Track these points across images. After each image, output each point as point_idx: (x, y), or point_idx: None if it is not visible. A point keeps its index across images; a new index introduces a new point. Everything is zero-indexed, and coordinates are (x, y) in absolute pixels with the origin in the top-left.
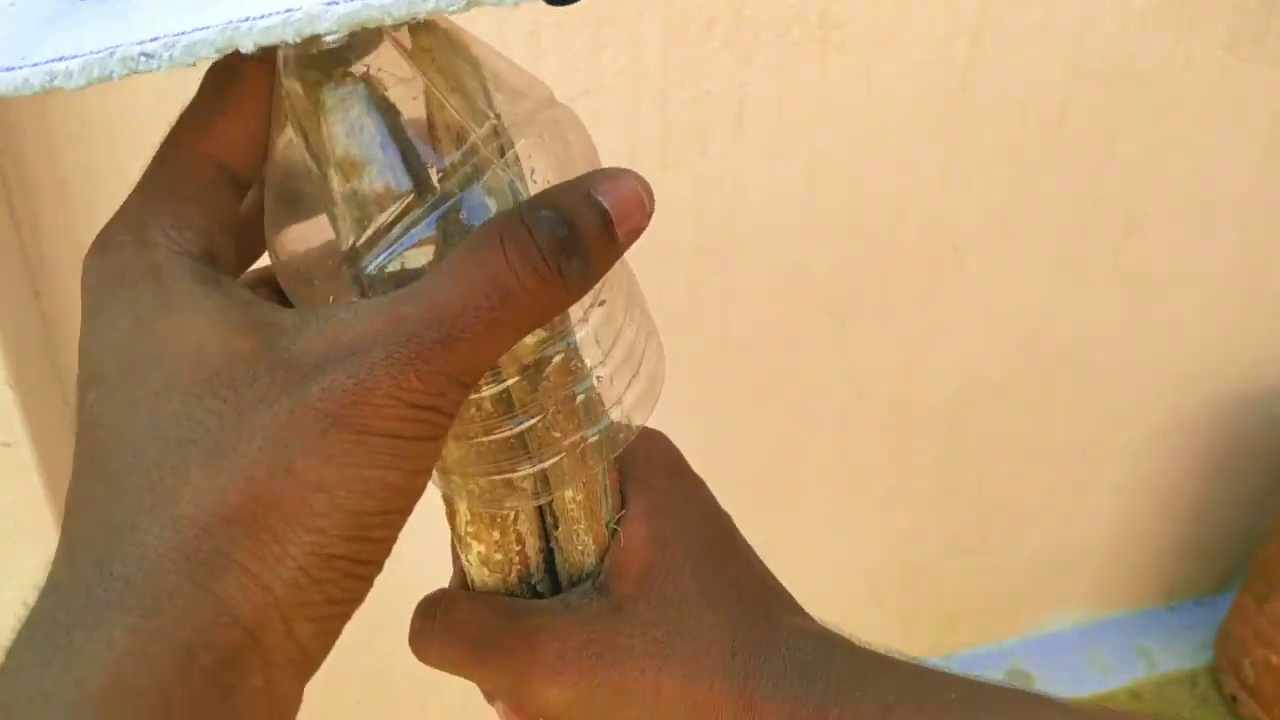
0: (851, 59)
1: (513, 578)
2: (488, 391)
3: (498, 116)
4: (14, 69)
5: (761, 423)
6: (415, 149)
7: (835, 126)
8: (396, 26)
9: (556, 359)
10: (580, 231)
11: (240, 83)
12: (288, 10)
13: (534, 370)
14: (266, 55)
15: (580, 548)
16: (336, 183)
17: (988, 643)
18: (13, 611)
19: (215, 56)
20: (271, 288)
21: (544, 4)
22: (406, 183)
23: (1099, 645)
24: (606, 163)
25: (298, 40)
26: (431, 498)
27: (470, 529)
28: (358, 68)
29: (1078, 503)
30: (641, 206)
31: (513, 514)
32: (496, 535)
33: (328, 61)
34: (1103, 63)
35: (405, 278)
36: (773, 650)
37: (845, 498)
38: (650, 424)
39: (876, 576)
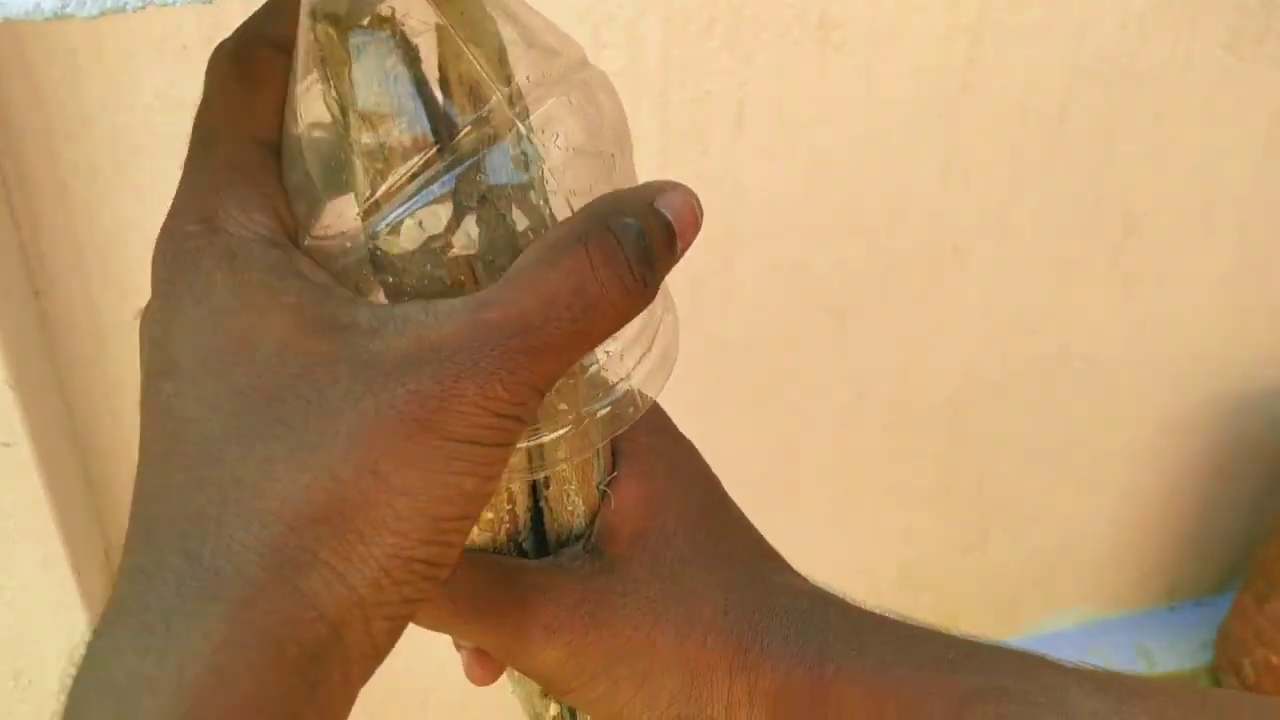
0: (851, 59)
1: (502, 536)
2: None
3: (526, 78)
4: None
5: (761, 423)
6: (438, 103)
7: (835, 126)
8: None
9: None
10: (653, 242)
11: (261, 65)
12: None
13: None
14: (281, 34)
15: (570, 508)
16: (357, 132)
17: None
18: (13, 611)
19: None
20: None
21: None
22: (429, 137)
23: (1099, 645)
24: None
25: None
26: None
27: None
28: (384, 10)
29: (1078, 503)
30: (696, 221)
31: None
32: None
33: (359, 5)
34: (1103, 63)
35: (406, 263)
36: (768, 610)
37: (845, 498)
38: None
39: (876, 576)
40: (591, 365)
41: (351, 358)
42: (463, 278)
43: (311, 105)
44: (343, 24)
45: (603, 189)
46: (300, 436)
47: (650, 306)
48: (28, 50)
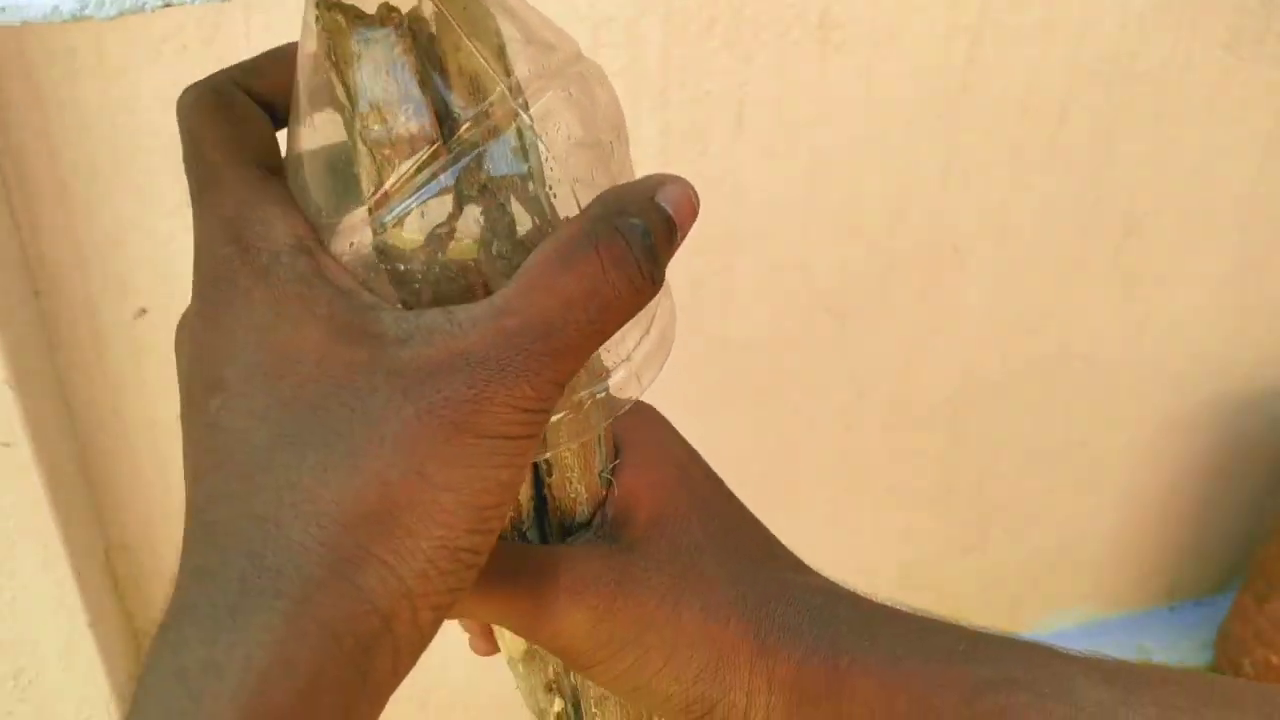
0: (851, 59)
1: (506, 524)
2: None
3: (526, 72)
4: None
5: (761, 423)
6: (443, 96)
7: (835, 126)
8: None
9: None
10: (656, 237)
11: (241, 105)
12: None
13: None
14: (252, 85)
15: (573, 495)
16: (364, 123)
17: None
18: (13, 611)
19: None
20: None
21: None
22: (434, 129)
23: (1099, 645)
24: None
25: None
26: None
27: None
28: (391, 1)
29: (1078, 503)
30: (694, 211)
31: None
32: None
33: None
34: (1103, 63)
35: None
36: (783, 601)
37: (845, 498)
38: None
39: (876, 576)
40: None
41: (388, 367)
42: (466, 266)
43: (317, 125)
44: (350, 14)
45: (601, 177)
46: (349, 443)
47: None
48: (28, 50)
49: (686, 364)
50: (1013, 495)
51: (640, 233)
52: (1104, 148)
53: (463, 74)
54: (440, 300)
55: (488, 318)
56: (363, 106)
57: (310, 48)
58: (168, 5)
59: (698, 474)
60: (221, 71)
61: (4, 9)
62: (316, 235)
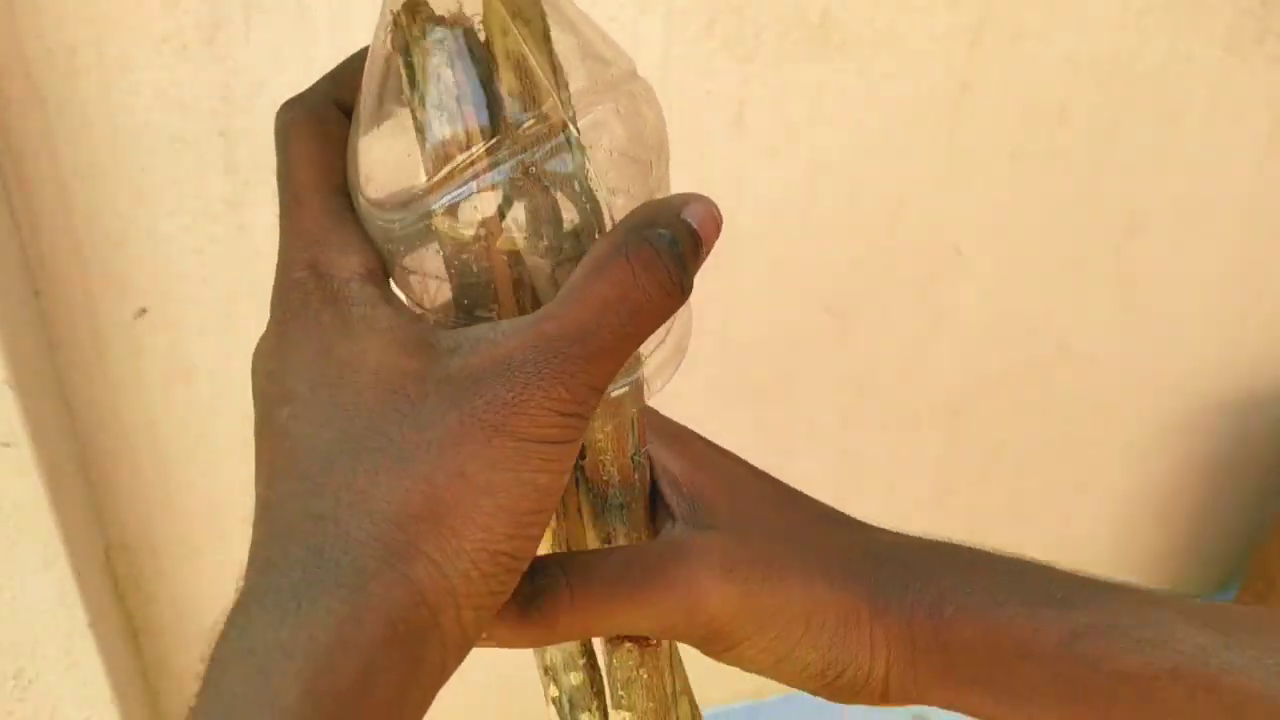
0: (851, 59)
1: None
2: None
3: (581, 84)
4: None
5: (761, 423)
6: (500, 98)
7: (835, 126)
8: None
9: None
10: (684, 246)
11: (333, 125)
12: None
13: None
14: (344, 97)
15: (605, 477)
16: (427, 117)
17: None
18: (13, 611)
19: None
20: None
21: None
22: (489, 129)
23: None
24: None
25: None
26: None
27: None
28: (456, 6)
29: (1078, 503)
30: (718, 227)
31: None
32: None
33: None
34: (1103, 63)
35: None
36: (886, 561)
37: (845, 498)
38: None
39: None
40: None
41: (437, 375)
42: (514, 256)
43: (382, 115)
44: (425, 14)
45: (639, 190)
46: (399, 448)
47: None
48: (28, 50)
49: (686, 364)
50: (1013, 495)
51: (667, 241)
52: (1104, 148)
53: (521, 80)
54: (483, 289)
55: (528, 325)
56: (431, 99)
57: (382, 43)
58: None
59: (742, 464)
60: (317, 85)
61: None
62: (385, 267)
